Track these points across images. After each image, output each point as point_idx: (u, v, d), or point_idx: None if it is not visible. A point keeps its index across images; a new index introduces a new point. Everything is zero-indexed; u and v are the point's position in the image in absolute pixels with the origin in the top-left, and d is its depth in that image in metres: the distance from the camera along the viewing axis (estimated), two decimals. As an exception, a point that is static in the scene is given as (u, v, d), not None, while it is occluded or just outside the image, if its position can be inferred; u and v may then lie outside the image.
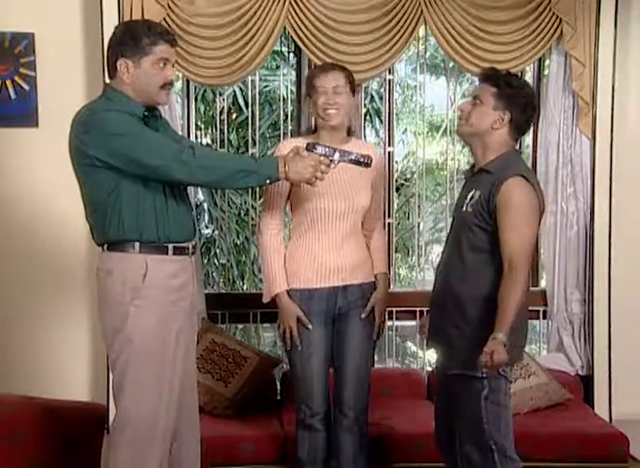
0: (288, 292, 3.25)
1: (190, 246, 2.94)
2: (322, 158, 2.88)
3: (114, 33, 2.87)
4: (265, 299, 3.32)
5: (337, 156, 2.92)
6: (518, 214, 2.80)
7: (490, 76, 2.95)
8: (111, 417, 3.68)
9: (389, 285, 3.55)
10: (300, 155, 2.86)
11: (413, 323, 4.55)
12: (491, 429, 2.86)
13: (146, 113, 2.86)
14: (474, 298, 2.86)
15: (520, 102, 2.89)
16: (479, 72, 3.17)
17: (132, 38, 2.80)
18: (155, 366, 2.82)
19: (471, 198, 2.89)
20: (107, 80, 2.93)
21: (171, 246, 2.85)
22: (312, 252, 3.26)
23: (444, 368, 2.99)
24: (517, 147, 3.11)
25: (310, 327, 3.23)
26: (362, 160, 2.96)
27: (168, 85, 2.86)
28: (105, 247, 2.87)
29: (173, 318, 2.86)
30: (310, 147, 2.91)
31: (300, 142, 3.24)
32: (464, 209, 2.91)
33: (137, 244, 2.81)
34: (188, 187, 3.07)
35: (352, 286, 3.27)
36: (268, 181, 2.90)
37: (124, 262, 2.82)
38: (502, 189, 2.81)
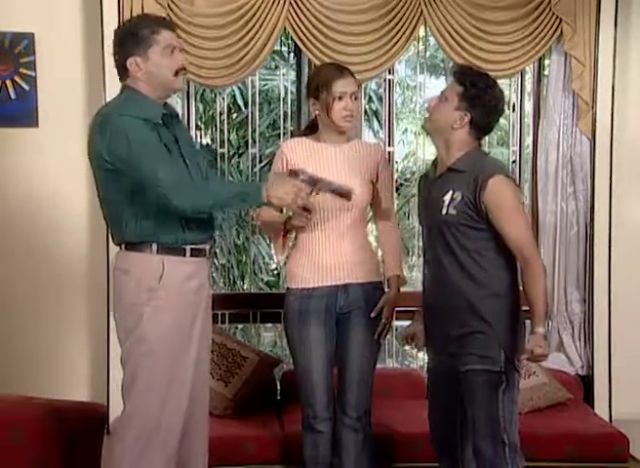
0: (288, 289, 3.27)
1: (207, 248, 2.94)
2: (304, 186, 2.86)
3: (115, 37, 2.87)
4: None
5: (319, 186, 2.94)
6: (512, 209, 2.84)
7: (460, 74, 2.93)
8: (111, 417, 3.71)
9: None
10: (283, 181, 2.86)
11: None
12: (505, 423, 2.88)
13: (165, 111, 2.86)
14: (482, 295, 2.88)
15: (483, 104, 2.86)
16: (453, 68, 3.14)
17: (132, 34, 2.81)
18: (166, 367, 2.82)
19: (451, 200, 2.87)
20: (111, 81, 2.93)
21: (188, 247, 2.86)
22: (309, 251, 3.25)
23: (450, 366, 2.96)
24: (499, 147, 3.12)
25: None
26: (344, 191, 3.00)
27: (181, 70, 2.86)
28: (123, 246, 2.87)
29: (187, 320, 2.86)
30: (294, 174, 2.92)
31: (304, 142, 3.25)
32: (445, 211, 2.88)
33: (154, 245, 2.81)
34: None
35: (354, 284, 3.23)
36: (256, 207, 2.97)
37: (141, 263, 2.82)
38: (490, 188, 2.81)
